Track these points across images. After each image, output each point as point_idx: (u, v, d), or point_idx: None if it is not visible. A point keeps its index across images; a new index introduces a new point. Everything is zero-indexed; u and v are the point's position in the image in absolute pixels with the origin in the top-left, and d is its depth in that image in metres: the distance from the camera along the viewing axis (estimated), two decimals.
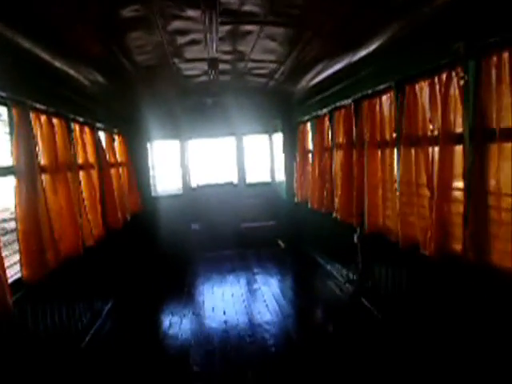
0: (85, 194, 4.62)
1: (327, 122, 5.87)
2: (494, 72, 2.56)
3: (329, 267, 6.34)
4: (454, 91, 2.95)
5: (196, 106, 8.11)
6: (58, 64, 3.94)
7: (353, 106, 4.82)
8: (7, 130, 3.26)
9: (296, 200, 7.50)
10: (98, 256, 5.01)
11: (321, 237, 6.76)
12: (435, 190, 3.14)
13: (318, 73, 5.49)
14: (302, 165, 7.17)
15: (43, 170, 3.58)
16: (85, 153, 4.74)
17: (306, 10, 3.46)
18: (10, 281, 2.90)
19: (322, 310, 5.07)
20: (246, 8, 3.48)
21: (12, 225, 9.14)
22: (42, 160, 3.62)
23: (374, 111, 4.32)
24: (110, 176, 5.56)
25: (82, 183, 4.61)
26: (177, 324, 4.75)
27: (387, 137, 4.12)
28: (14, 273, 3.63)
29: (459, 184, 2.99)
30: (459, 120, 2.97)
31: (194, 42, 4.53)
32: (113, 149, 6.14)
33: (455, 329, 3.17)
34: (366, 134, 4.40)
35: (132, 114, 7.58)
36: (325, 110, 5.87)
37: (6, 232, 9.95)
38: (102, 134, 5.79)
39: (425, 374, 3.38)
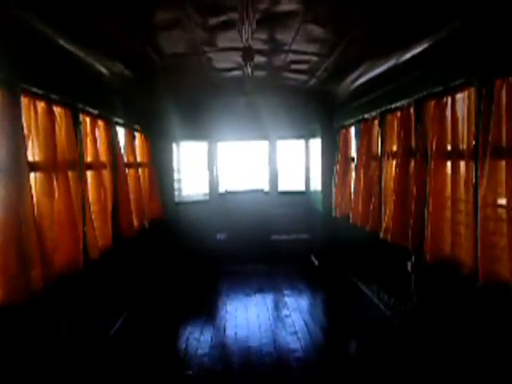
0: (92, 198, 3.99)
1: (376, 127, 5.05)
2: None
3: (370, 294, 5.48)
4: None
5: (227, 105, 7.44)
6: (66, 45, 3.33)
7: (413, 108, 4.00)
8: None
9: (334, 213, 6.67)
10: (106, 269, 4.36)
11: (362, 257, 5.91)
12: None
13: (369, 68, 4.69)
14: (342, 174, 6.34)
15: (34, 167, 2.94)
16: (96, 150, 4.11)
17: None
18: None
19: (366, 350, 4.20)
20: None
21: None
22: (35, 156, 2.98)
23: (444, 114, 3.47)
24: (126, 177, 4.93)
25: (90, 184, 4.00)
26: (193, 353, 4.04)
27: (462, 146, 3.27)
28: None
29: None
30: None
31: (227, 26, 3.86)
32: (132, 147, 5.52)
33: None
34: (432, 142, 3.56)
35: (156, 110, 6.95)
36: (374, 113, 5.06)
37: None
38: (121, 131, 5.19)
39: None
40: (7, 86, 2.59)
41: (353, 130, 6.09)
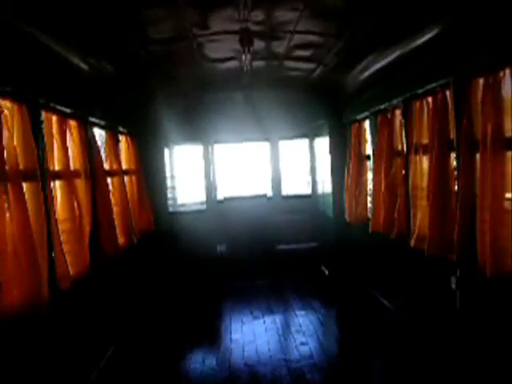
0: (62, 214, 3.24)
1: (399, 117, 4.32)
2: None
3: (394, 309, 4.74)
4: None
5: (223, 102, 6.71)
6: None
7: (451, 91, 3.27)
8: None
9: (346, 218, 5.92)
10: (82, 300, 3.59)
11: (383, 267, 5.16)
12: None
13: (390, 48, 3.99)
14: (356, 175, 5.61)
15: None
16: (65, 156, 3.36)
17: None
18: None
19: None
20: None
21: None
22: None
23: (499, 95, 2.74)
24: (107, 187, 4.18)
25: (59, 198, 3.25)
26: None
27: None
28: None
29: None
30: None
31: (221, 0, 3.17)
32: (116, 152, 4.76)
33: None
34: (484, 130, 2.83)
35: (145, 110, 6.21)
36: (395, 102, 4.33)
37: None
38: (101, 133, 4.46)
39: None
40: None
41: (367, 123, 5.38)
